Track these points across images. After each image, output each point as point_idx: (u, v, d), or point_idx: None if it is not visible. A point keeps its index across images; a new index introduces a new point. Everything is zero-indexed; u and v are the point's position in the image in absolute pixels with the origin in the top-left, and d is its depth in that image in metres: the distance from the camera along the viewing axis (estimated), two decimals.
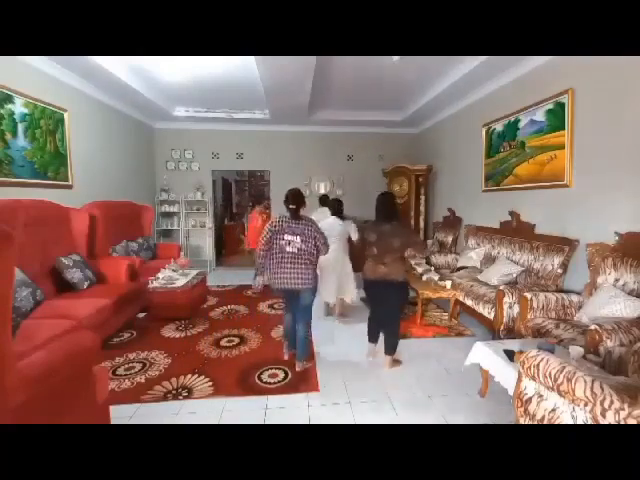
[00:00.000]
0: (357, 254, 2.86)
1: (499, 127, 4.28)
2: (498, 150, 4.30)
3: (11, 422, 1.12)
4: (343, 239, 3.79)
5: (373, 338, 3.00)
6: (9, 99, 3.14)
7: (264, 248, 2.68)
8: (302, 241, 2.62)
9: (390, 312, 2.84)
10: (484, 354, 2.28)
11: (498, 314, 3.03)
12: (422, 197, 6.30)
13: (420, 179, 6.22)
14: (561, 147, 3.29)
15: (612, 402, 1.24)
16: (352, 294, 3.87)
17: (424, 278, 4.05)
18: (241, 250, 8.80)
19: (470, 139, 4.97)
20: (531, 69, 3.67)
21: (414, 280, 4.08)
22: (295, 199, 2.69)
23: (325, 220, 3.78)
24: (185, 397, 2.38)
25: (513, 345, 2.23)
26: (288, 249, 2.62)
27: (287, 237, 2.62)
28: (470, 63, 3.87)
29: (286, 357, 2.96)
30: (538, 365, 1.55)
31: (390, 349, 2.83)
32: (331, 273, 3.73)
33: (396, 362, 2.89)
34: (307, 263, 2.64)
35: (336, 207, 3.87)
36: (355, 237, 3.61)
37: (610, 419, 1.24)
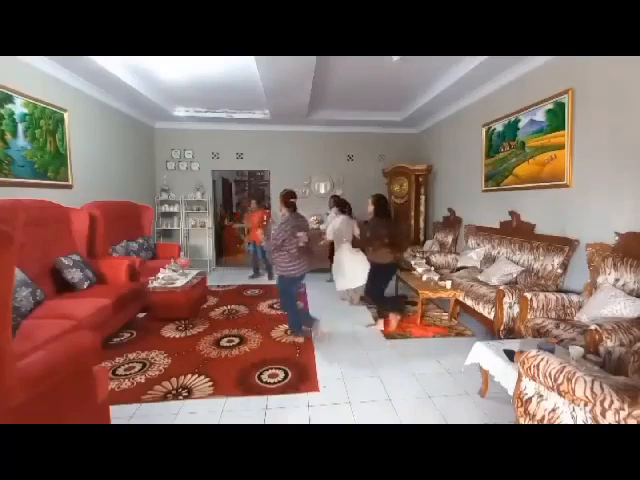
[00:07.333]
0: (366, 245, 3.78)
1: (499, 127, 4.28)
2: (498, 150, 4.30)
3: (11, 422, 1.12)
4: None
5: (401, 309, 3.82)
6: (9, 99, 3.14)
7: (276, 248, 3.09)
8: (305, 235, 3.16)
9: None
10: (484, 354, 2.28)
11: (498, 314, 3.03)
12: (422, 197, 6.31)
13: (420, 179, 6.22)
14: (561, 147, 3.29)
15: (612, 402, 1.24)
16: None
17: (424, 278, 4.05)
18: (241, 250, 8.81)
19: (470, 139, 4.97)
20: (531, 69, 3.67)
21: (414, 280, 4.10)
22: (294, 194, 3.22)
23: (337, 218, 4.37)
24: (185, 397, 2.38)
25: (513, 345, 2.23)
26: (300, 244, 3.12)
27: (299, 234, 3.11)
28: (470, 63, 3.87)
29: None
30: (538, 365, 1.55)
31: (382, 314, 3.70)
32: (349, 265, 4.20)
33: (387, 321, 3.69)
34: (307, 252, 3.22)
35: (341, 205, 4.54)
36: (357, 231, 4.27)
37: (610, 419, 1.24)
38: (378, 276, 3.67)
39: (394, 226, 3.66)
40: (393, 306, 3.77)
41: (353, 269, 4.06)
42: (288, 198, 3.13)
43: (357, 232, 4.24)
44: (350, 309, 4.30)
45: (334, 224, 4.33)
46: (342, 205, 4.37)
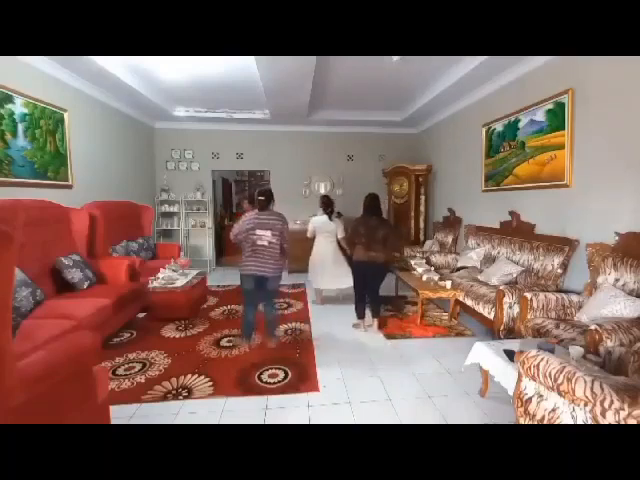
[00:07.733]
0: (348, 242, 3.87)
1: (499, 127, 4.28)
2: (498, 150, 4.30)
3: (11, 422, 1.12)
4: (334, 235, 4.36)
5: (362, 315, 3.66)
6: (9, 99, 3.14)
7: (234, 239, 3.08)
8: (272, 235, 2.98)
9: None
10: (484, 354, 2.28)
11: (498, 314, 3.03)
12: (422, 197, 6.30)
13: (420, 179, 6.22)
14: (561, 147, 3.29)
15: (612, 402, 1.24)
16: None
17: (424, 278, 4.05)
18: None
19: (470, 139, 4.97)
20: (531, 69, 3.67)
21: (414, 280, 4.09)
22: (264, 193, 3.09)
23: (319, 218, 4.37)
24: (185, 397, 2.38)
25: (513, 345, 2.23)
26: (259, 242, 2.97)
27: (259, 232, 2.97)
28: (470, 63, 3.86)
29: (249, 349, 3.13)
30: (538, 365, 1.55)
31: (377, 314, 3.67)
32: (328, 265, 4.28)
33: (382, 322, 3.71)
34: (275, 254, 3.01)
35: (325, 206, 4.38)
36: (341, 235, 4.29)
37: (610, 419, 1.24)
38: (352, 271, 3.84)
39: (375, 225, 3.48)
40: (358, 312, 3.69)
41: (328, 270, 4.26)
42: (256, 196, 3.13)
43: (340, 234, 4.27)
44: (350, 309, 4.29)
45: (314, 223, 4.40)
46: (326, 206, 4.39)
